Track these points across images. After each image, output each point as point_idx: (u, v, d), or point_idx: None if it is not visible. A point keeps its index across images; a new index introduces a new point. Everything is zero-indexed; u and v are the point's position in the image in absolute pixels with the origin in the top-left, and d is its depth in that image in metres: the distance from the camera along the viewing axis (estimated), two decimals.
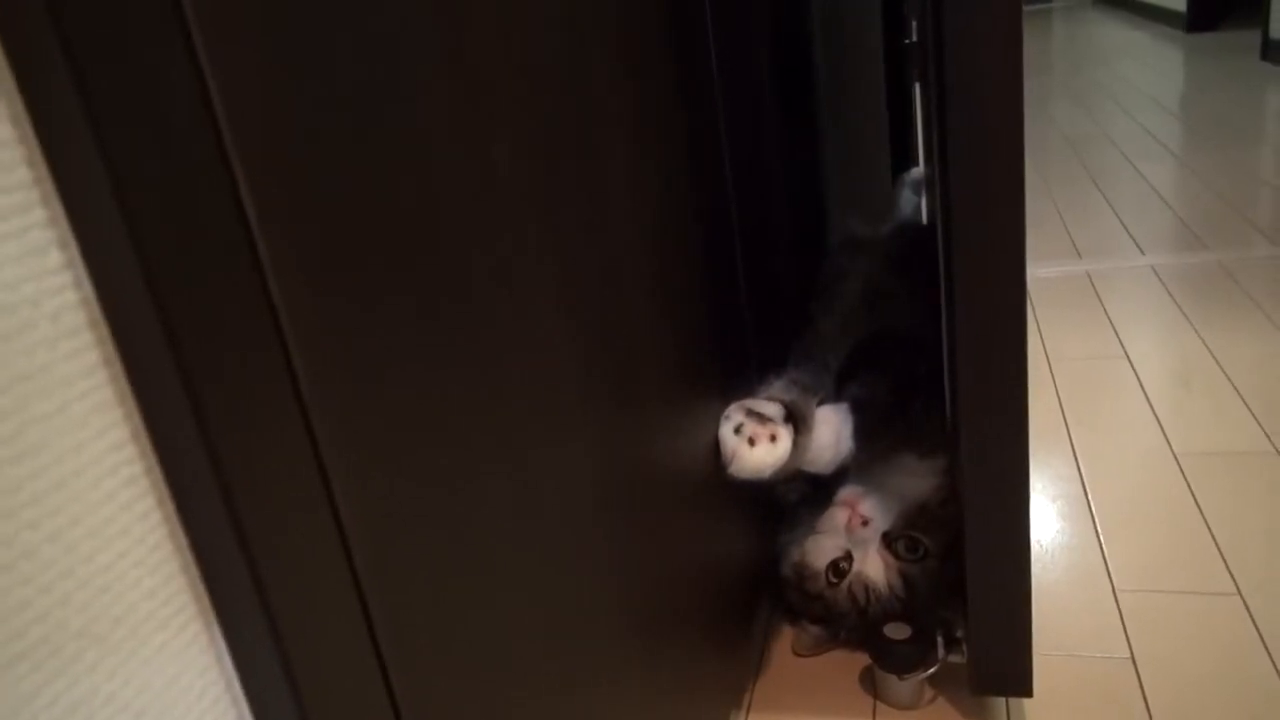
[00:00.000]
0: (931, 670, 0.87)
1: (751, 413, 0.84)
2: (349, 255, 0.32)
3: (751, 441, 0.82)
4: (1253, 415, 1.28)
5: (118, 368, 0.24)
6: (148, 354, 0.24)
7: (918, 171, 1.87)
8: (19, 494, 0.22)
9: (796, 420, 0.87)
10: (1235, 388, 1.35)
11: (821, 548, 0.96)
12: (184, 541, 0.26)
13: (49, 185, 0.22)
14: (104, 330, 0.24)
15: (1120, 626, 0.95)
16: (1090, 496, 1.16)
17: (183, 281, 0.24)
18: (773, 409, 0.85)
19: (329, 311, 0.31)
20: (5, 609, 0.22)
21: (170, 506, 0.26)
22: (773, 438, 0.83)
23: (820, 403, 0.95)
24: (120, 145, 0.23)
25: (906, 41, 1.84)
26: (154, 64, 0.24)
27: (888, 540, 0.93)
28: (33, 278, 0.22)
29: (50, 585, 0.23)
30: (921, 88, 1.72)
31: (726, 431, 0.83)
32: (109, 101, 0.22)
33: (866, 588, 0.92)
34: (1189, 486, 1.15)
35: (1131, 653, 0.91)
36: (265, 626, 0.28)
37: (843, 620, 0.94)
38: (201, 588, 0.27)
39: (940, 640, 0.88)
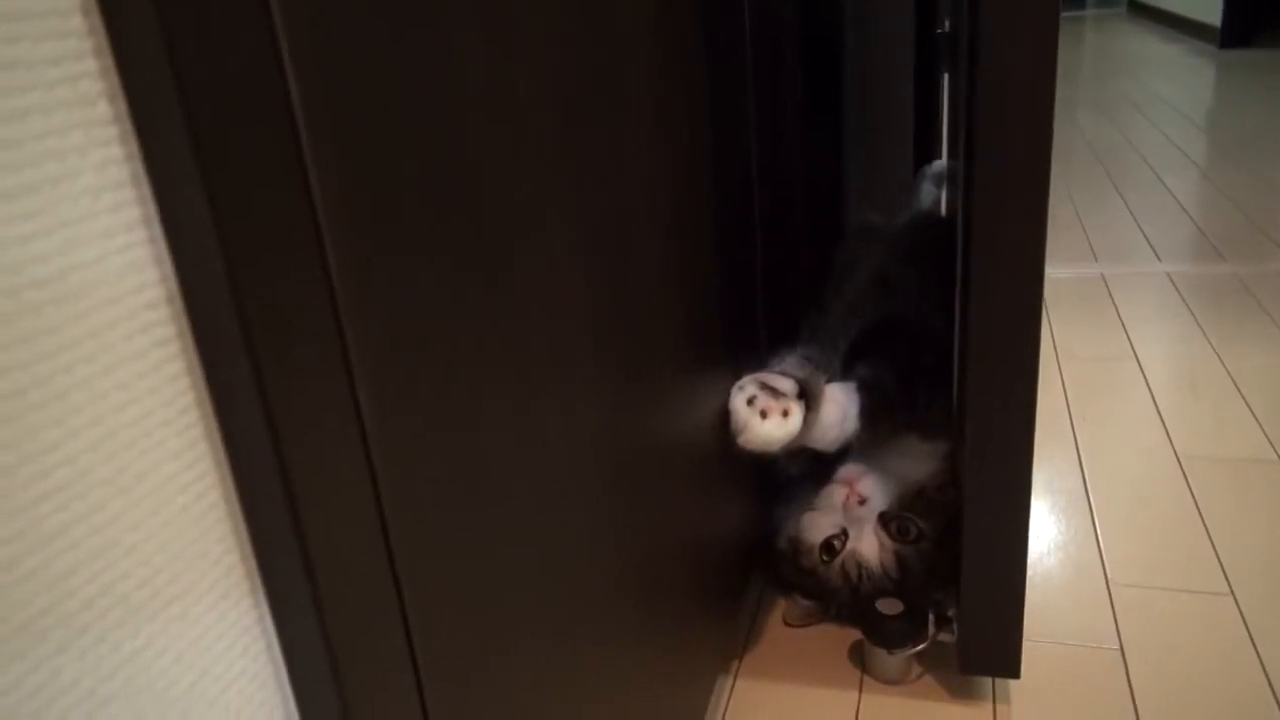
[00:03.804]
0: (920, 647, 0.87)
1: (765, 386, 0.84)
2: (388, 190, 0.32)
3: (764, 415, 0.82)
4: (1258, 423, 1.28)
5: (157, 229, 0.25)
6: (190, 220, 0.25)
7: (939, 164, 1.87)
8: (58, 335, 0.22)
9: (809, 398, 0.87)
10: (1243, 396, 1.35)
11: (817, 524, 0.97)
12: (210, 410, 0.27)
13: (103, 36, 0.22)
14: (147, 189, 0.24)
15: (1112, 619, 0.95)
16: (1090, 492, 1.17)
17: (232, 165, 0.25)
18: (787, 384, 0.86)
19: (370, 234, 0.31)
20: (36, 447, 0.22)
21: (200, 374, 0.27)
22: (785, 413, 0.83)
23: (828, 381, 0.96)
24: (177, 9, 0.23)
25: (938, 31, 1.83)
26: None
27: (883, 520, 0.93)
28: (81, 126, 0.22)
29: (80, 430, 0.23)
30: (950, 79, 1.72)
31: (739, 402, 0.83)
32: None
33: (859, 566, 0.92)
34: (1190, 489, 1.15)
35: (1121, 645, 0.92)
36: (285, 509, 0.29)
37: (834, 597, 0.95)
38: (224, 456, 0.27)
39: (931, 618, 0.89)
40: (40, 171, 0.22)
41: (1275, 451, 1.21)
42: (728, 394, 0.83)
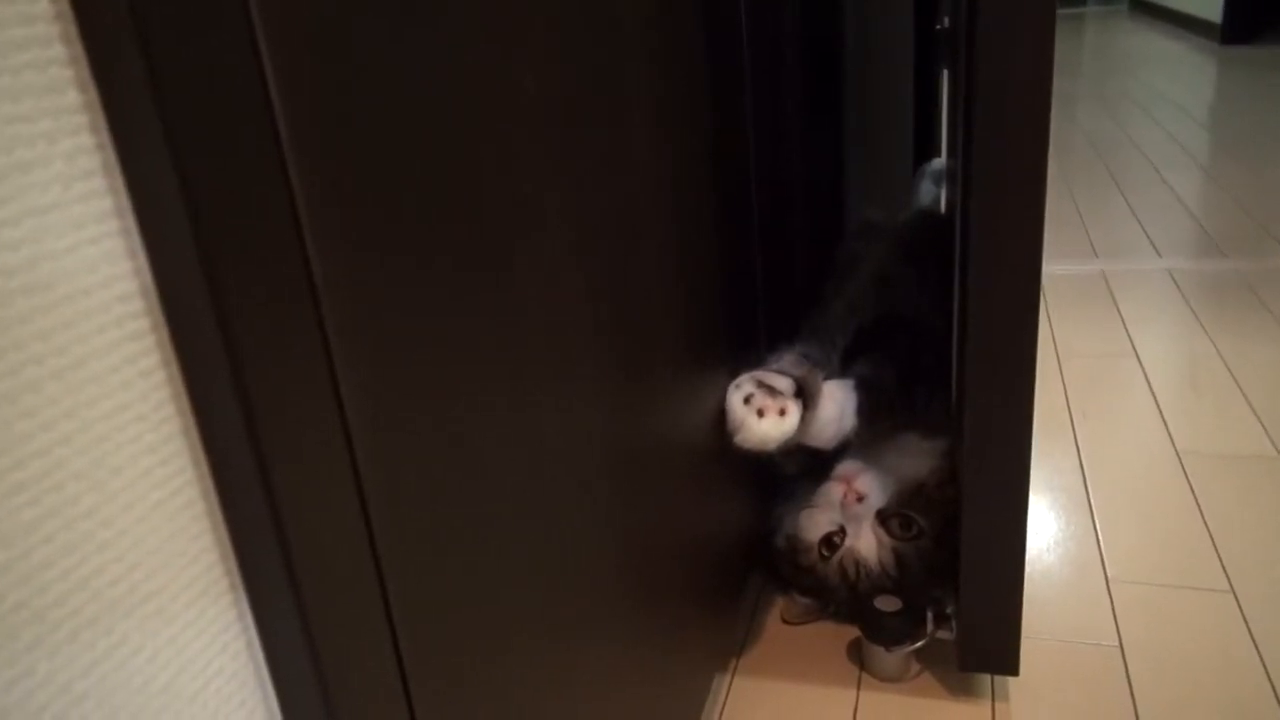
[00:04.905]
0: (919, 644, 0.87)
1: (762, 384, 0.83)
2: (380, 184, 0.32)
3: (760, 413, 0.82)
4: (1259, 420, 1.27)
5: (131, 220, 0.24)
6: (165, 211, 0.24)
7: (939, 163, 1.86)
8: (28, 325, 0.22)
9: (806, 396, 0.86)
10: (1243, 392, 1.34)
11: (815, 521, 0.96)
12: (187, 404, 0.27)
13: (71, 22, 0.22)
14: (119, 179, 0.24)
15: (1111, 616, 0.95)
16: (1090, 489, 1.16)
17: (208, 155, 0.24)
18: (784, 383, 0.85)
19: (355, 229, 0.31)
20: (9, 439, 0.22)
21: (175, 367, 0.26)
22: (782, 412, 0.83)
23: (826, 378, 0.95)
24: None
25: (937, 27, 1.82)
26: None
27: (882, 517, 0.93)
28: (49, 114, 0.22)
29: (53, 423, 0.23)
30: (950, 75, 1.71)
31: (736, 400, 0.82)
32: None
33: (857, 563, 0.92)
34: (1190, 485, 1.15)
35: (1120, 641, 0.91)
36: (265, 505, 0.28)
37: (832, 594, 0.95)
38: (201, 451, 0.27)
39: (929, 615, 0.88)
40: (7, 158, 0.21)
41: (1275, 448, 1.21)
42: (726, 393, 0.83)
